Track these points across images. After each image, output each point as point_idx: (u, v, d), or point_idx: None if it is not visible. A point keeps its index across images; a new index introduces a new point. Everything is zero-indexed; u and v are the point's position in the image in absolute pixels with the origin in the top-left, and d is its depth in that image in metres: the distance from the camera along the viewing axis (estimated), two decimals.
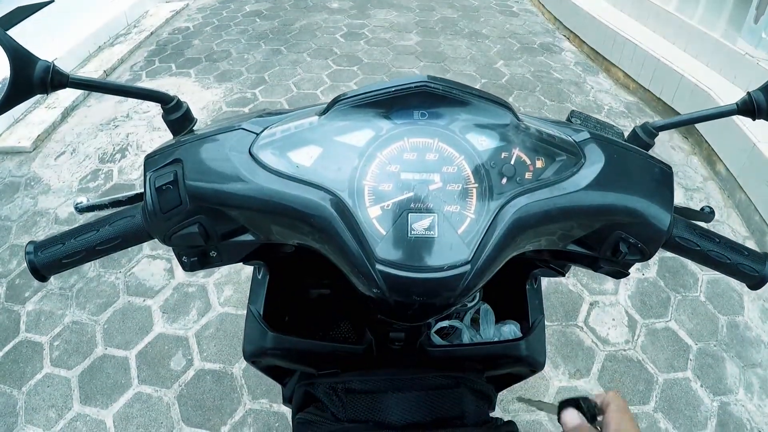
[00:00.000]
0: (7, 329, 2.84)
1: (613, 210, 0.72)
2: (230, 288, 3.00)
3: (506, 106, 0.73)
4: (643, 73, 4.84)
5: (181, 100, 0.84)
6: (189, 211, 0.73)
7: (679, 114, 3.92)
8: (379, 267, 0.65)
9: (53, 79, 0.68)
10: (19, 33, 4.86)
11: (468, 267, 0.66)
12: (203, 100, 4.91)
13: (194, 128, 0.86)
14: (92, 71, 5.42)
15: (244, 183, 0.69)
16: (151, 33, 6.39)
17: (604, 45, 5.40)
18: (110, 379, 2.58)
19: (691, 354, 2.65)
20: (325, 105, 0.74)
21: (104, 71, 5.42)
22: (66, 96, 4.80)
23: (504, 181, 0.69)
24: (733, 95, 3.89)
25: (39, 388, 2.56)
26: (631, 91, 5.03)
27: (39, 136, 4.36)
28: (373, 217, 0.67)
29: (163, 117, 0.84)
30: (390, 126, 0.71)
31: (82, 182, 3.88)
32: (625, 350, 2.67)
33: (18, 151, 4.27)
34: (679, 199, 3.61)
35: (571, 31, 6.12)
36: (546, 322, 1.02)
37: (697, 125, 3.83)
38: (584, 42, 5.81)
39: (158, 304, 2.93)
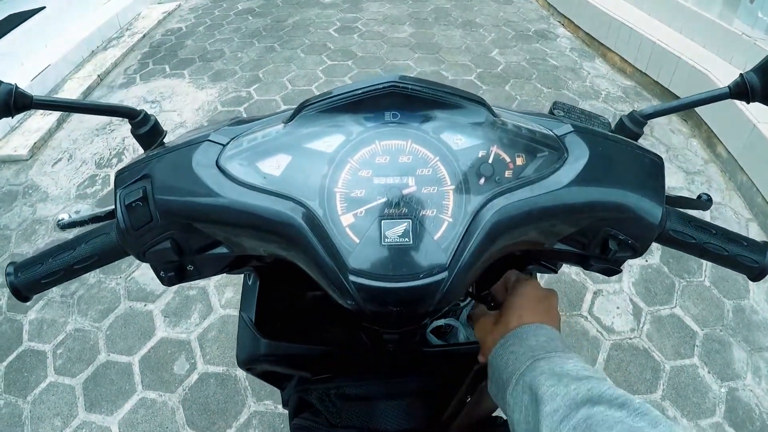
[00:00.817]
0: (10, 339, 2.84)
1: (599, 206, 0.70)
2: (231, 290, 2.98)
3: (481, 103, 0.71)
4: (639, 57, 4.81)
5: (149, 113, 0.83)
6: (160, 227, 0.72)
7: (676, 96, 3.92)
8: (352, 278, 0.63)
9: (17, 102, 0.67)
10: (11, 41, 4.87)
11: (445, 273, 0.63)
12: (198, 100, 4.89)
13: (164, 141, 0.84)
14: (86, 76, 5.40)
15: (213, 197, 0.68)
16: (144, 35, 6.37)
17: (600, 30, 5.38)
18: (114, 385, 2.57)
19: (697, 340, 2.64)
20: (292, 111, 0.72)
21: (98, 75, 5.40)
22: None
23: (482, 181, 0.66)
24: (731, 76, 3.85)
25: (44, 396, 2.55)
26: (629, 76, 5.01)
27: (35, 143, 4.35)
28: (346, 226, 0.65)
29: (132, 132, 0.82)
30: (360, 129, 0.69)
31: (80, 188, 3.87)
32: (630, 338, 2.66)
33: (15, 160, 4.26)
34: (680, 182, 3.60)
35: (566, 17, 6.09)
36: None
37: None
38: (579, 27, 5.78)
39: (159, 309, 2.92)
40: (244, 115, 0.83)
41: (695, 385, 2.45)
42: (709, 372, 2.50)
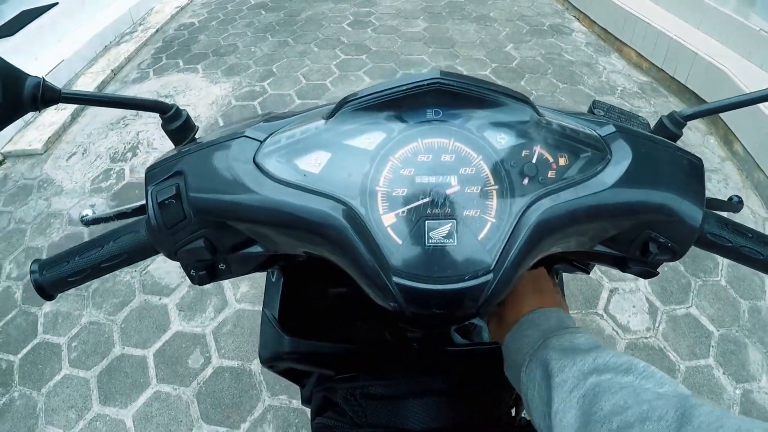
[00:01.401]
0: (25, 331, 2.86)
1: (643, 208, 0.68)
2: (246, 284, 2.99)
3: (526, 101, 0.69)
4: (656, 53, 4.78)
5: (180, 107, 0.81)
6: (194, 226, 0.70)
7: (693, 93, 3.89)
8: (395, 279, 0.62)
9: (44, 95, 0.65)
10: (24, 37, 4.89)
11: (491, 276, 0.62)
12: (212, 95, 4.90)
13: (196, 137, 0.83)
14: (99, 71, 5.42)
15: (250, 194, 0.66)
16: (157, 30, 6.39)
17: (616, 24, 5.34)
18: (129, 378, 2.58)
19: (713, 340, 2.62)
20: (332, 107, 0.70)
21: (112, 70, 5.42)
22: None
23: (526, 181, 0.65)
24: (749, 73, 3.85)
25: (58, 389, 2.57)
26: (645, 71, 4.97)
27: (50, 138, 4.37)
28: (388, 225, 0.63)
29: (163, 127, 0.81)
30: (402, 127, 0.67)
31: (95, 182, 3.88)
32: (646, 338, 2.64)
33: (29, 154, 4.29)
34: None
35: (581, 11, 6.05)
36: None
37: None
38: (595, 22, 5.75)
39: (174, 302, 2.92)
40: (280, 111, 0.81)
41: (710, 386, 2.44)
42: (724, 373, 2.48)
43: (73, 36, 5.68)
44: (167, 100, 0.83)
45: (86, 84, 5.16)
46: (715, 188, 3.51)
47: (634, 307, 2.79)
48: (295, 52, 5.58)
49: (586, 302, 2.79)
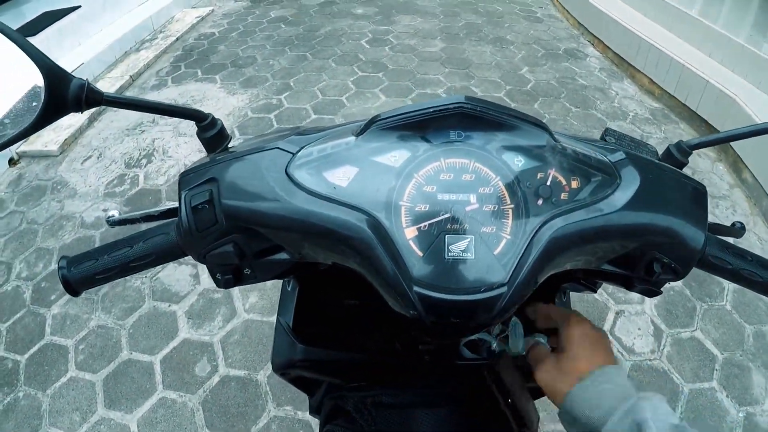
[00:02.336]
0: (32, 332, 2.88)
1: (648, 230, 0.71)
2: (256, 295, 3.00)
3: (542, 127, 0.72)
4: (668, 79, 4.80)
5: (216, 117, 0.84)
6: (224, 231, 0.73)
7: (704, 120, 3.90)
8: (416, 288, 0.64)
9: (88, 97, 0.68)
10: (44, 38, 4.94)
11: (505, 288, 0.65)
12: (229, 106, 4.94)
13: (229, 146, 0.86)
14: (118, 76, 5.48)
15: (281, 203, 0.69)
16: (177, 38, 6.45)
17: (629, 51, 5.37)
18: (135, 383, 2.60)
19: (717, 364, 2.62)
20: (362, 125, 0.73)
21: (130, 76, 5.48)
22: None
23: (540, 201, 0.68)
24: (758, 101, 3.86)
25: (63, 391, 2.58)
26: (657, 98, 5.00)
27: (66, 140, 4.41)
28: (410, 238, 0.66)
29: (198, 134, 0.84)
30: (426, 147, 0.70)
31: (108, 187, 3.92)
32: (650, 360, 2.64)
33: (45, 155, 4.33)
34: None
35: (596, 37, 6.08)
36: None
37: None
38: (609, 48, 5.78)
39: (183, 310, 2.94)
40: (307, 125, 0.84)
41: (713, 408, 2.44)
42: (727, 396, 2.48)
43: (93, 40, 5.76)
44: None
45: (104, 88, 4.92)
46: (723, 215, 3.52)
47: (639, 329, 2.79)
48: (313, 66, 5.63)
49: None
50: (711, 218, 0.78)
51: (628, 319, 2.85)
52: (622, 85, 5.27)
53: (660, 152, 0.86)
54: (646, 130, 4.49)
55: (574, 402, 0.73)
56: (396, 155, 0.70)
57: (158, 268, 3.18)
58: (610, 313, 2.87)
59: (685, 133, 4.47)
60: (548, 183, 0.69)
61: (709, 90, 4.26)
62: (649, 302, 2.93)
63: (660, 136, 4.38)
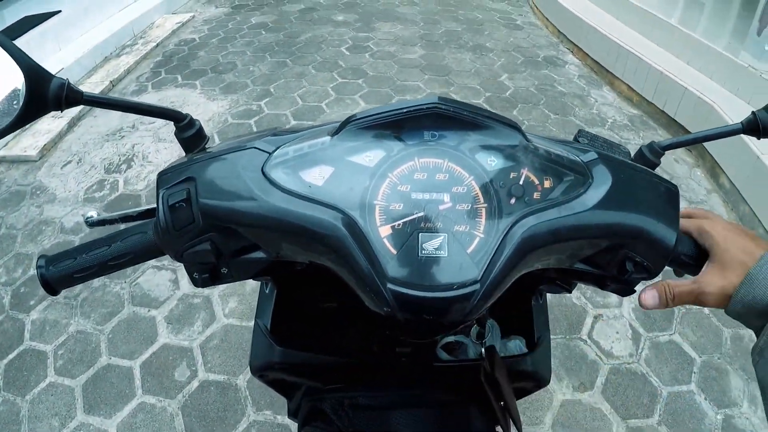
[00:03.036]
0: (11, 337, 2.85)
1: (620, 229, 0.72)
2: (235, 300, 3.00)
3: (515, 127, 0.74)
4: (646, 86, 4.85)
5: (194, 118, 0.85)
6: (201, 229, 0.73)
7: (682, 126, 3.95)
8: (390, 286, 0.65)
9: (68, 97, 0.69)
10: (25, 42, 4.91)
11: (477, 286, 0.65)
12: (209, 111, 4.94)
13: (207, 146, 0.86)
14: (98, 81, 5.45)
15: (257, 202, 0.70)
16: (158, 44, 6.43)
17: (608, 58, 5.42)
18: (114, 388, 2.58)
19: (695, 367, 2.65)
20: (337, 125, 0.74)
21: (110, 81, 5.46)
22: None
23: (513, 201, 0.69)
24: (736, 108, 3.91)
25: (43, 396, 2.56)
26: (635, 104, 5.05)
27: (45, 145, 4.39)
28: (384, 237, 0.67)
29: (176, 134, 0.85)
30: (401, 147, 0.71)
31: (88, 192, 3.90)
32: (629, 363, 2.67)
33: (24, 160, 4.29)
34: None
35: (575, 45, 6.14)
36: (550, 336, 1.03)
37: None
38: (588, 55, 5.83)
39: (163, 315, 2.93)
40: (285, 126, 0.85)
41: (692, 411, 2.46)
42: (705, 399, 2.51)
43: (74, 45, 5.74)
44: None
45: None
46: None
47: (617, 333, 2.81)
48: (293, 73, 5.63)
49: (570, 328, 2.82)
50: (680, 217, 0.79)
51: (607, 323, 2.87)
52: (601, 92, 5.32)
53: (633, 154, 0.87)
54: (625, 137, 4.53)
55: (754, 283, 0.70)
56: (371, 155, 0.71)
57: (138, 273, 3.17)
58: (588, 317, 2.89)
59: (663, 139, 4.50)
60: (521, 182, 0.70)
61: (687, 97, 4.31)
62: (627, 306, 2.96)
63: (638, 143, 4.40)
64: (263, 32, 6.81)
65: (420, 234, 0.67)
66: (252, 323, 1.01)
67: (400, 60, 5.96)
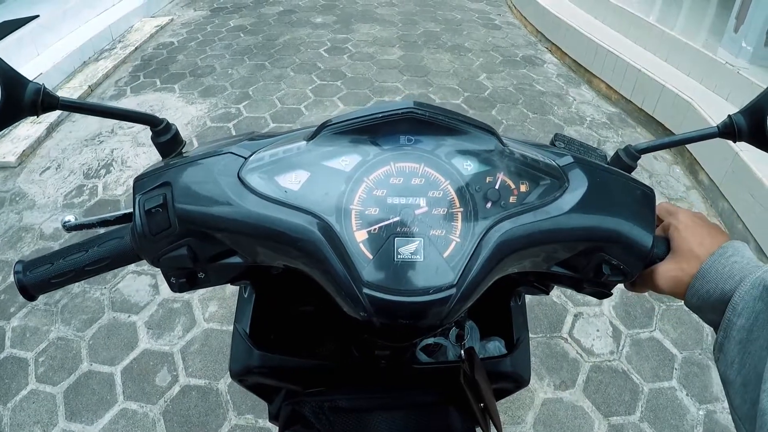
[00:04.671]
0: None
1: (596, 232, 0.73)
2: (215, 304, 2.99)
3: (491, 132, 0.74)
4: (624, 84, 4.89)
5: (170, 122, 0.85)
6: (178, 234, 0.73)
7: (660, 124, 3.98)
8: (365, 290, 0.65)
9: (44, 102, 0.69)
10: (3, 48, 4.87)
11: (453, 290, 0.66)
12: (188, 115, 4.92)
13: (183, 151, 0.86)
14: (77, 86, 5.41)
15: (233, 207, 0.70)
16: (136, 48, 6.38)
17: (586, 57, 5.46)
18: (96, 395, 2.56)
19: (676, 363, 2.67)
20: (313, 130, 0.75)
21: (89, 86, 5.41)
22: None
23: (489, 205, 0.70)
24: (713, 104, 3.95)
25: (24, 404, 2.54)
26: (614, 102, 5.08)
27: (24, 151, 4.34)
28: (360, 241, 0.67)
29: (152, 139, 0.84)
30: (377, 151, 0.72)
31: (67, 198, 3.86)
32: (610, 361, 2.68)
33: (2, 167, 4.25)
34: None
35: (553, 44, 6.18)
36: (530, 334, 1.04)
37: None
38: (566, 54, 5.87)
39: (143, 320, 2.92)
40: (262, 131, 0.85)
41: (673, 407, 2.48)
42: (687, 394, 2.53)
43: (52, 49, 5.69)
44: None
45: None
46: None
47: (598, 330, 2.83)
48: (272, 75, 5.62)
49: (551, 326, 2.83)
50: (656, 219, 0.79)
51: (587, 321, 2.88)
52: (580, 90, 5.36)
53: (609, 157, 0.88)
54: (604, 135, 4.57)
55: (706, 278, 0.72)
56: (347, 160, 0.71)
57: (118, 278, 3.15)
58: (569, 315, 2.91)
59: (642, 137, 4.56)
60: (497, 187, 0.71)
61: (665, 94, 4.35)
62: (608, 304, 2.98)
63: (617, 140, 4.46)
64: (242, 35, 6.79)
65: (396, 238, 0.67)
66: (232, 327, 1.01)
67: (378, 61, 5.97)
